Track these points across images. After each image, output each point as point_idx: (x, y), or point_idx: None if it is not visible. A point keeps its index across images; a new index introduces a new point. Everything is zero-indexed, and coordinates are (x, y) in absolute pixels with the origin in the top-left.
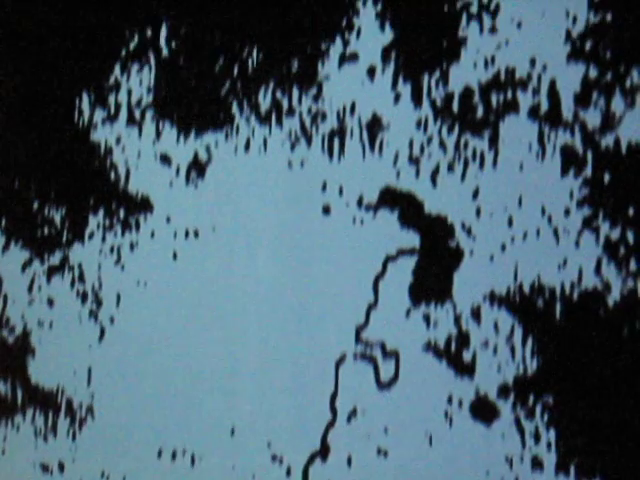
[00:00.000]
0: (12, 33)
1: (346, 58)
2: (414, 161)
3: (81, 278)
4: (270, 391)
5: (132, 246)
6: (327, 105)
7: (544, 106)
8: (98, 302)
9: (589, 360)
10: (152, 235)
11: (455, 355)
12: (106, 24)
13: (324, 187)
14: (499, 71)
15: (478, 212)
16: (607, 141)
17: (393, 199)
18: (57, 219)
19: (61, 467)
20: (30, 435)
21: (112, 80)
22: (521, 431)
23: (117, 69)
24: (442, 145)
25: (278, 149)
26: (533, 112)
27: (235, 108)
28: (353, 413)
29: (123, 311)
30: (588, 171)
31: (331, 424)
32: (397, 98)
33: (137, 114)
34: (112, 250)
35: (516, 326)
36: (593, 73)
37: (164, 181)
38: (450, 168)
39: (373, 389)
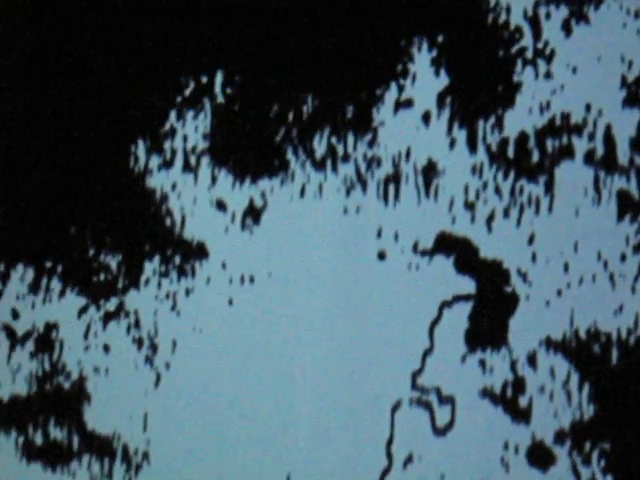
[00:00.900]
0: (68, 77)
1: (401, 104)
2: (469, 206)
3: (137, 324)
4: (326, 437)
5: (188, 292)
6: (382, 151)
7: (599, 151)
8: (154, 348)
9: None
10: (208, 281)
11: (511, 401)
12: (162, 70)
13: (379, 233)
14: (554, 116)
15: (534, 257)
16: None
17: (449, 245)
18: (113, 265)
19: None
20: None
21: (168, 126)
22: (578, 477)
23: (173, 115)
24: (497, 190)
25: (333, 195)
26: (589, 157)
27: (290, 154)
28: (409, 459)
29: (179, 357)
30: None
31: (387, 470)
32: (452, 143)
33: (193, 160)
34: (168, 296)
35: (572, 372)
36: None
37: (220, 227)
38: (506, 213)
39: (429, 435)
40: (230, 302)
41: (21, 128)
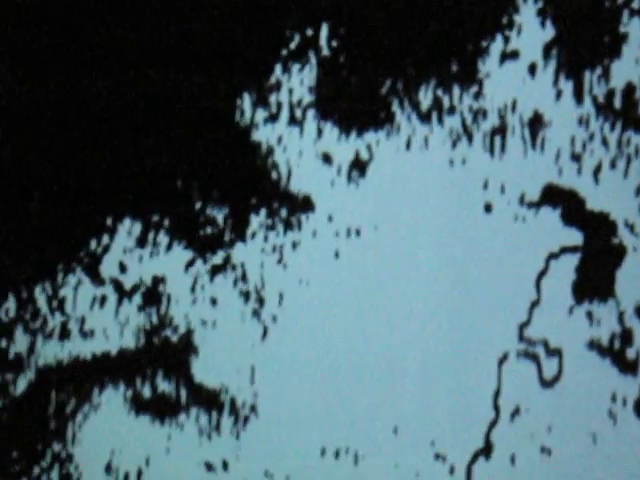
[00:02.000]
0: (176, 35)
1: (507, 55)
2: (576, 158)
3: (243, 277)
4: (433, 389)
5: (294, 245)
6: (488, 103)
7: None
8: (260, 301)
9: None
10: (314, 234)
11: (619, 352)
12: (268, 25)
13: (486, 185)
14: None
15: None
16: None
17: (555, 196)
18: (219, 219)
19: (225, 465)
20: (194, 434)
21: (273, 80)
22: None
23: (278, 69)
24: (604, 142)
25: (439, 147)
26: None
27: (396, 107)
28: (516, 411)
29: (285, 310)
30: None
31: (494, 423)
32: (559, 95)
33: (298, 113)
34: (274, 249)
35: None
36: None
37: (325, 180)
38: (613, 165)
39: (536, 387)
40: (336, 255)
41: (142, 87)
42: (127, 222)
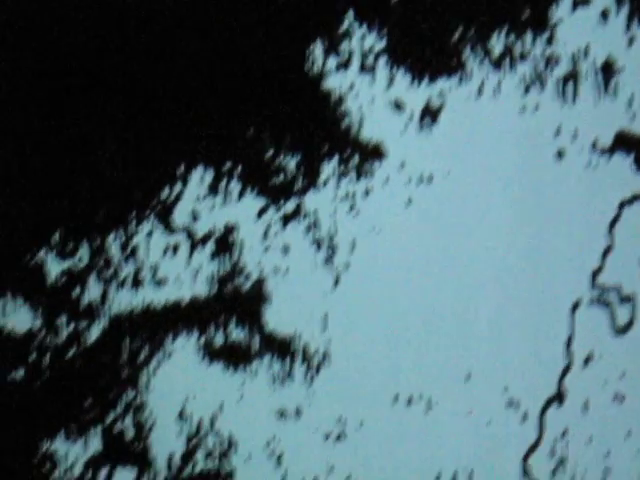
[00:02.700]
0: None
1: (579, 1)
2: None
3: (316, 225)
4: (505, 336)
5: (366, 193)
6: (560, 49)
7: None
8: (333, 249)
9: None
10: (386, 181)
11: None
12: None
13: (558, 132)
14: None
15: None
16: None
17: (628, 142)
18: (291, 166)
19: (297, 413)
20: (267, 381)
21: (344, 27)
22: None
23: (350, 16)
24: None
25: (511, 94)
26: None
27: (468, 53)
28: (589, 358)
29: (357, 258)
30: None
31: (567, 369)
32: (631, 41)
33: (370, 61)
34: (346, 197)
35: None
36: None
37: (397, 127)
38: None
39: (609, 334)
40: (408, 202)
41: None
42: (199, 170)
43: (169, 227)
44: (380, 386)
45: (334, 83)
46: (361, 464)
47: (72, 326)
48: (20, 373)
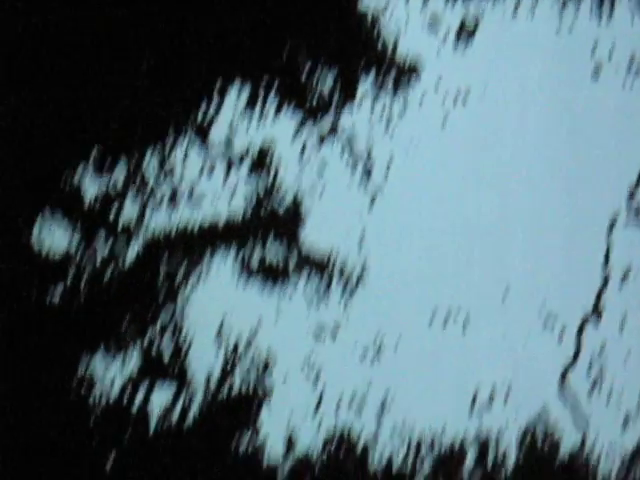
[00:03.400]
0: None
1: None
2: None
3: (351, 145)
4: (543, 251)
5: (402, 112)
6: None
7: None
8: (369, 168)
9: None
10: (421, 102)
11: None
12: None
13: (593, 51)
14: None
15: None
16: None
17: None
18: (328, 85)
19: (335, 331)
20: (304, 300)
21: None
22: None
23: None
24: None
25: (547, 14)
26: None
27: None
28: (627, 274)
29: (393, 176)
30: None
31: (605, 286)
32: None
33: None
34: (381, 117)
35: None
36: None
37: (433, 46)
38: None
39: None
40: (444, 120)
41: None
42: (236, 86)
43: (206, 145)
44: (417, 304)
45: (370, 2)
46: (398, 382)
47: (109, 246)
48: (59, 292)
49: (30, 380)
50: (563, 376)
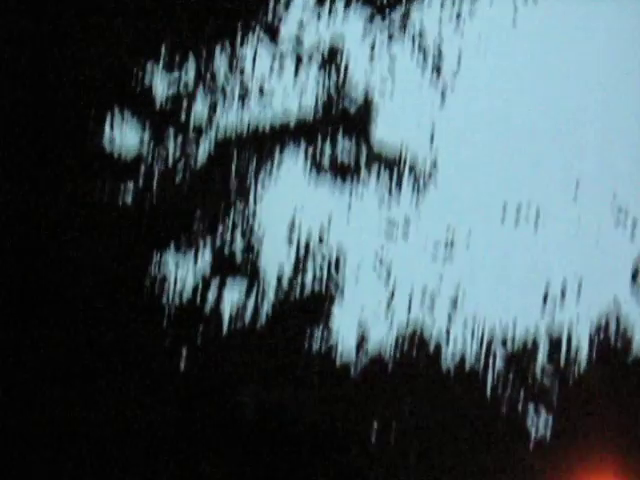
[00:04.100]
0: None
1: None
2: None
3: (421, 41)
4: (615, 146)
5: (472, 9)
6: None
7: None
8: (438, 65)
9: None
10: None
11: None
12: None
13: None
14: None
15: None
16: None
17: None
18: None
19: (405, 230)
20: (375, 197)
21: None
22: None
23: None
24: None
25: None
26: None
27: None
28: None
29: (463, 73)
30: None
31: None
32: None
33: None
34: (451, 13)
35: None
36: None
37: None
38: None
39: None
40: (513, 22)
41: None
42: None
43: (275, 42)
44: (488, 201)
45: None
46: (470, 278)
47: (180, 145)
48: (130, 189)
49: (104, 279)
50: (635, 272)
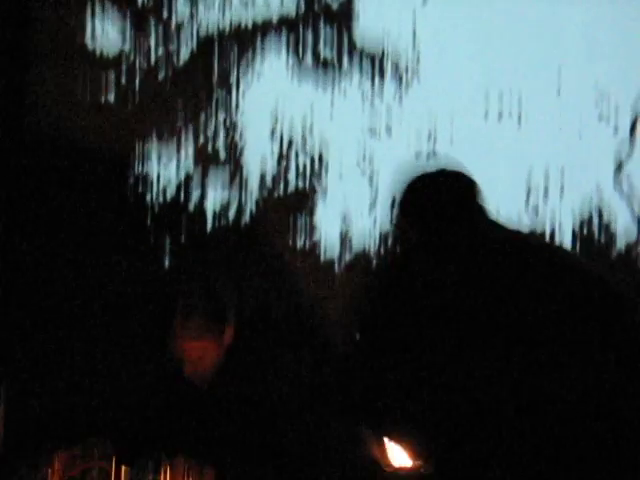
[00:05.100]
0: None
1: None
2: None
3: None
4: (597, 33)
5: None
6: None
7: None
8: None
9: None
10: None
11: None
12: None
13: None
14: None
15: None
16: None
17: None
18: None
19: (389, 130)
20: (357, 99)
21: None
22: None
23: None
24: None
25: None
26: None
27: None
28: None
29: None
30: None
31: None
32: None
33: None
34: None
35: None
36: None
37: None
38: None
39: None
40: None
41: None
42: None
43: None
44: (470, 102)
45: None
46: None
47: (163, 42)
48: (111, 97)
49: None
50: (619, 165)
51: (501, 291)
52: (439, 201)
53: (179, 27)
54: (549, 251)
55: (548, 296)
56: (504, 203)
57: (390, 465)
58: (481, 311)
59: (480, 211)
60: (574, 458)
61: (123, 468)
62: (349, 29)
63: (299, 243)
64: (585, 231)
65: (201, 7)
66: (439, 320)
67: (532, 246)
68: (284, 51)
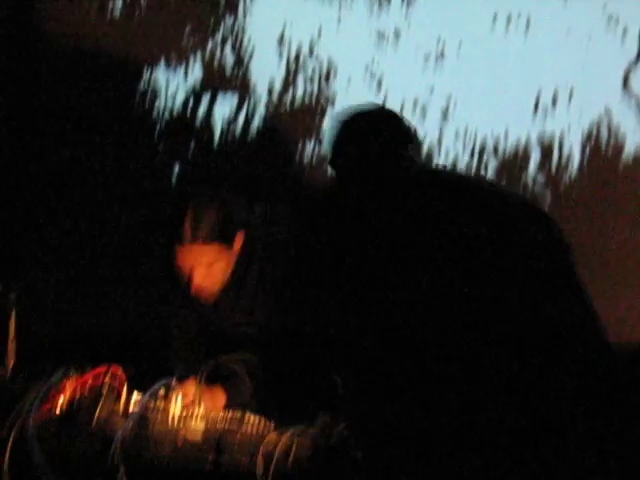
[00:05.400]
0: None
1: None
2: None
3: None
4: None
5: None
6: None
7: None
8: None
9: None
10: None
11: None
12: None
13: None
14: None
15: None
16: None
17: None
18: None
19: (397, 35)
20: (363, 8)
21: None
22: None
23: None
24: None
25: None
26: None
27: None
28: None
29: None
30: None
31: None
32: None
33: None
34: None
35: None
36: None
37: None
38: None
39: None
40: None
41: None
42: None
43: None
44: (478, 10)
45: None
46: (461, 85)
47: None
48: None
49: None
50: (626, 79)
51: (432, 220)
52: (369, 137)
53: None
54: (477, 180)
55: (477, 221)
56: (512, 118)
57: None
58: (412, 244)
59: (411, 150)
60: (512, 388)
61: (135, 393)
62: None
63: (306, 158)
64: (592, 144)
65: None
66: (372, 253)
67: (459, 176)
68: None
